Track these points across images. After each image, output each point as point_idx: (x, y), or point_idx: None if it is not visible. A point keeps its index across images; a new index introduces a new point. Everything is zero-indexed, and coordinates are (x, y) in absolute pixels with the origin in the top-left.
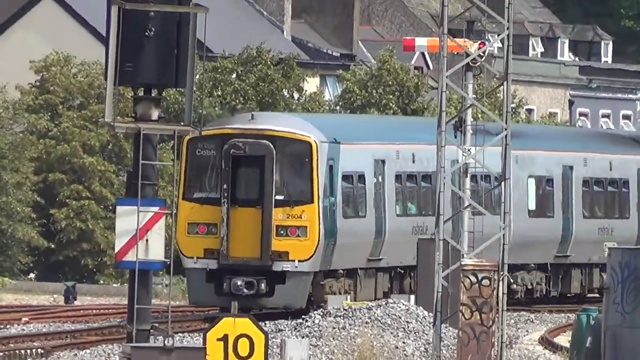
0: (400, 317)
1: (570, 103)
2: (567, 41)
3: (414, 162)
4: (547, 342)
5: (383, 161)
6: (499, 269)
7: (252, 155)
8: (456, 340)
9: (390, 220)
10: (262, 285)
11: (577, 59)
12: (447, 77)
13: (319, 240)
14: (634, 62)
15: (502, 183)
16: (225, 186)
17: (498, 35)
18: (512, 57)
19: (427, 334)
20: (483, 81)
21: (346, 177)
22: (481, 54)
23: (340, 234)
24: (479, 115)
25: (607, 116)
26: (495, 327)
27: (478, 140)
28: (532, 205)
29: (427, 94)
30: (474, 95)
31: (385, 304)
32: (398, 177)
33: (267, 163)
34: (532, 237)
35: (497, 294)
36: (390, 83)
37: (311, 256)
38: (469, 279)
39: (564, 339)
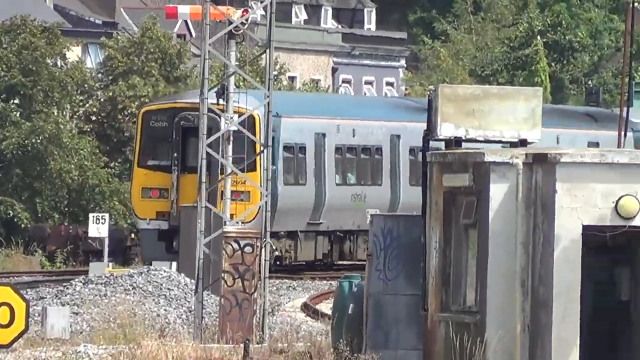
0: (162, 285)
1: (334, 70)
2: (330, 8)
3: (354, 135)
4: (309, 309)
5: (324, 134)
6: (261, 236)
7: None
8: (218, 307)
9: (330, 188)
10: None
11: (340, 26)
12: (209, 44)
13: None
14: (397, 29)
15: (265, 150)
16: (175, 155)
17: (261, 2)
18: (274, 25)
19: (189, 302)
20: (246, 48)
21: (288, 148)
22: (244, 21)
23: (281, 199)
24: (242, 83)
25: (371, 83)
26: (257, 294)
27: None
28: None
29: (190, 62)
30: (237, 63)
31: (147, 271)
32: (338, 150)
33: (213, 134)
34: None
35: (260, 261)
36: (152, 50)
37: (253, 218)
38: (231, 246)
39: (326, 306)
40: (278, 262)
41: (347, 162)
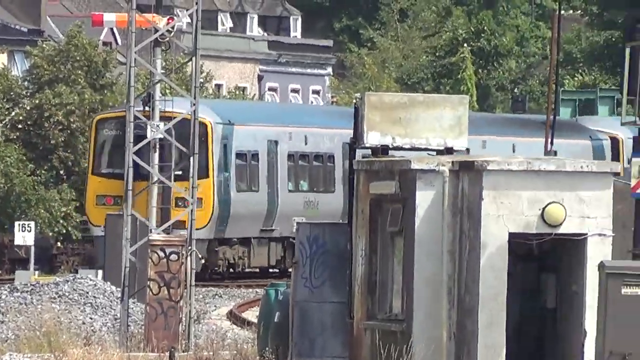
0: (87, 293)
1: (260, 78)
2: (256, 16)
3: (306, 143)
4: (235, 317)
5: (276, 142)
6: (186, 243)
7: None
8: (144, 315)
9: (282, 195)
10: None
11: (266, 34)
12: (135, 52)
13: (212, 211)
14: (323, 37)
15: (191, 158)
16: None
17: (187, 10)
18: (200, 33)
19: (114, 309)
20: (172, 56)
21: (240, 155)
22: (170, 29)
23: (234, 205)
24: (168, 91)
25: (297, 91)
26: (183, 302)
27: None
28: None
29: (116, 69)
30: (163, 71)
31: (73, 279)
32: (291, 157)
33: (166, 141)
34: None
35: (186, 269)
36: (78, 58)
37: (206, 225)
38: (157, 254)
39: (252, 314)
40: (231, 269)
41: (300, 169)
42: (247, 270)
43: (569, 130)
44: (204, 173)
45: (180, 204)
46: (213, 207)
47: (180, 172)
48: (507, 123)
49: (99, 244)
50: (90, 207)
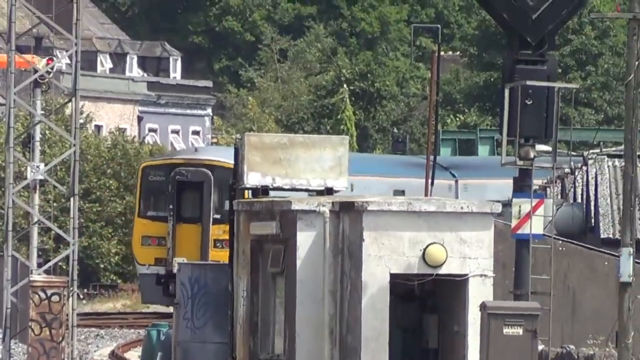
0: None
1: (140, 119)
2: (135, 57)
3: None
4: (117, 358)
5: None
6: (68, 285)
7: (194, 181)
8: (26, 356)
9: None
10: None
11: (146, 74)
12: (15, 93)
13: None
14: (203, 77)
15: (72, 199)
16: (171, 206)
17: (66, 51)
18: (80, 74)
19: None
20: (52, 97)
21: None
22: (49, 70)
23: None
24: (47, 132)
25: (177, 132)
26: (65, 343)
27: None
28: None
29: None
30: (43, 112)
31: None
32: None
33: (205, 187)
34: None
35: (68, 310)
36: None
37: None
38: (38, 295)
39: (135, 355)
40: None
41: None
42: None
43: None
44: None
45: (218, 245)
46: None
47: (218, 216)
48: None
49: (144, 281)
50: (136, 247)
